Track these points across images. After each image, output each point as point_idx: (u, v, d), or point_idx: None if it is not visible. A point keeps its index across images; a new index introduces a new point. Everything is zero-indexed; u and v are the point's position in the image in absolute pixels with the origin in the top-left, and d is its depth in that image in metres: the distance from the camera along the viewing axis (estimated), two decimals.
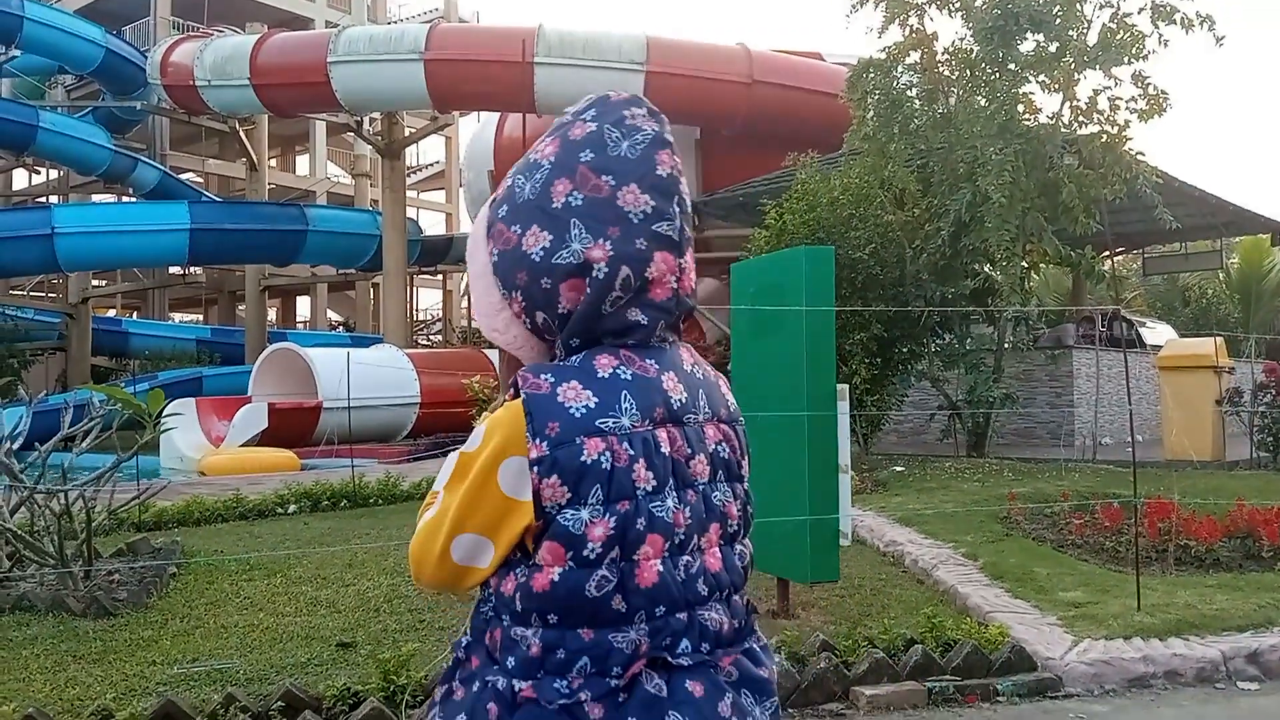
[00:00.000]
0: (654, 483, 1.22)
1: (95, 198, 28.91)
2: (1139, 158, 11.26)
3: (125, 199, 27.95)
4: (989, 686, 4.11)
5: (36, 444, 5.73)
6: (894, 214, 11.80)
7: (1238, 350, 16.82)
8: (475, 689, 1.24)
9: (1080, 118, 11.51)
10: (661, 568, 1.22)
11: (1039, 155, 11.20)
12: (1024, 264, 12.00)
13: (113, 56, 24.38)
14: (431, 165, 40.23)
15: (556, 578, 1.19)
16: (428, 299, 39.54)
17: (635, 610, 1.20)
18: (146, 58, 23.92)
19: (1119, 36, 11.02)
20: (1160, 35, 10.93)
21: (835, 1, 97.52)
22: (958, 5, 11.76)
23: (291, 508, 8.58)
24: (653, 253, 1.26)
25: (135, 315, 33.50)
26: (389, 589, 5.28)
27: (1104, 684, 4.26)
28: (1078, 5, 11.21)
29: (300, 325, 35.90)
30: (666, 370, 1.29)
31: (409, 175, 31.24)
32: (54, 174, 29.81)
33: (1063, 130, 11.49)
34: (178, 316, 36.05)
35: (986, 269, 11.80)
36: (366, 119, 24.93)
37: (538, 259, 1.24)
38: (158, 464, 12.99)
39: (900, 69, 12.19)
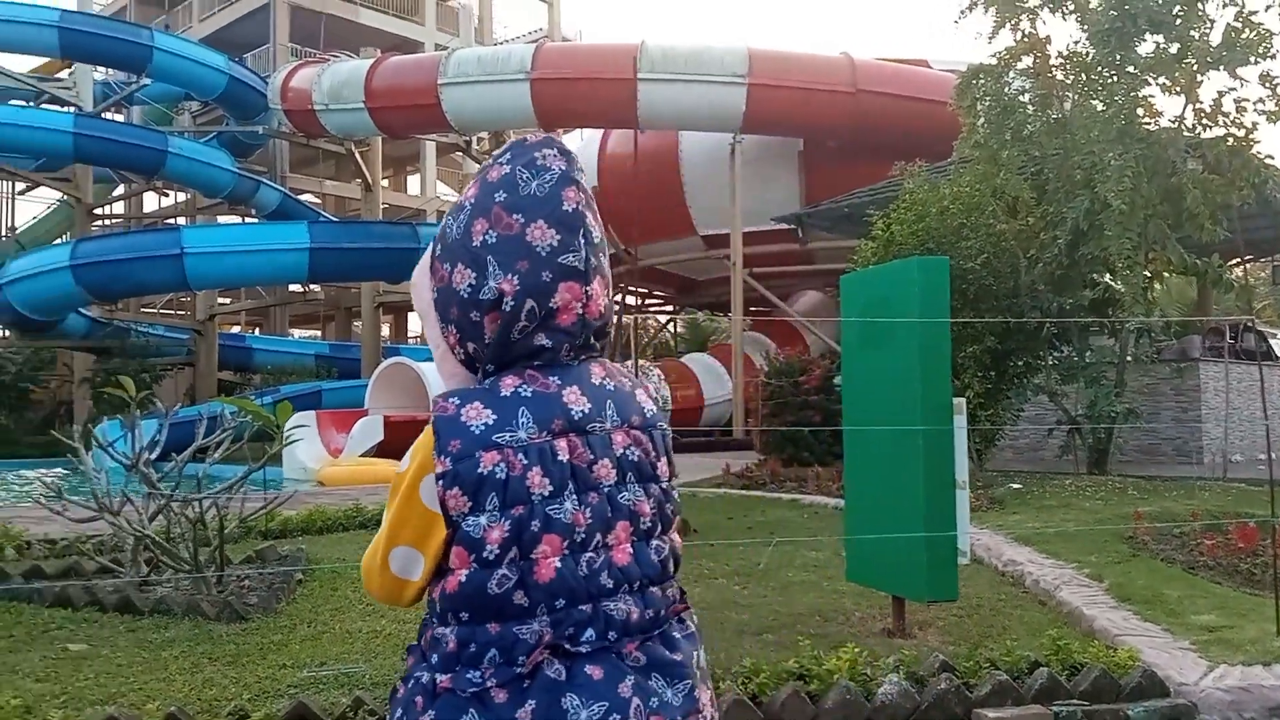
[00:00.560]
0: (550, 488, 1.32)
1: (220, 219, 30.25)
2: (1268, 161, 10.75)
3: (248, 220, 29.17)
4: (1119, 712, 3.95)
5: (173, 454, 6.02)
6: (1007, 223, 11.52)
7: None
8: (410, 685, 1.36)
9: (1204, 121, 11.06)
10: (560, 564, 1.32)
11: (1161, 160, 10.79)
12: (1146, 273, 11.57)
13: (236, 83, 25.52)
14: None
15: (464, 579, 1.31)
16: None
17: (536, 604, 1.31)
18: (267, 84, 25.01)
19: (1244, 36, 10.56)
20: None
21: (943, 8, 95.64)
22: (1072, 7, 11.44)
23: None
24: (557, 283, 1.35)
25: (258, 331, 34.95)
26: None
27: (1242, 712, 4.05)
28: (1199, 4, 10.78)
29: (412, 340, 36.90)
30: (570, 385, 1.39)
31: None
32: (181, 196, 31.35)
33: (1185, 134, 11.06)
34: (297, 332, 37.42)
35: (1106, 279, 11.41)
36: (474, 139, 25.56)
37: (465, 295, 1.36)
38: (280, 474, 13.49)
39: (1012, 74, 11.92)
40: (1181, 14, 10.76)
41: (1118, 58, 11.06)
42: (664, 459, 1.46)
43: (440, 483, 1.31)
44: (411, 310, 35.68)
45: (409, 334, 38.66)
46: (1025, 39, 11.63)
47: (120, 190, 31.21)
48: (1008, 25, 11.66)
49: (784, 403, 14.13)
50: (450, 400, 1.35)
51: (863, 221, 12.53)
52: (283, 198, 27.83)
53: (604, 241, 1.46)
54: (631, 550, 1.38)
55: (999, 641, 4.52)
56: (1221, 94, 10.92)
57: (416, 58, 23.98)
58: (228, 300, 33.45)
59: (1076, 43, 11.62)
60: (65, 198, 28.88)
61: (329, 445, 15.98)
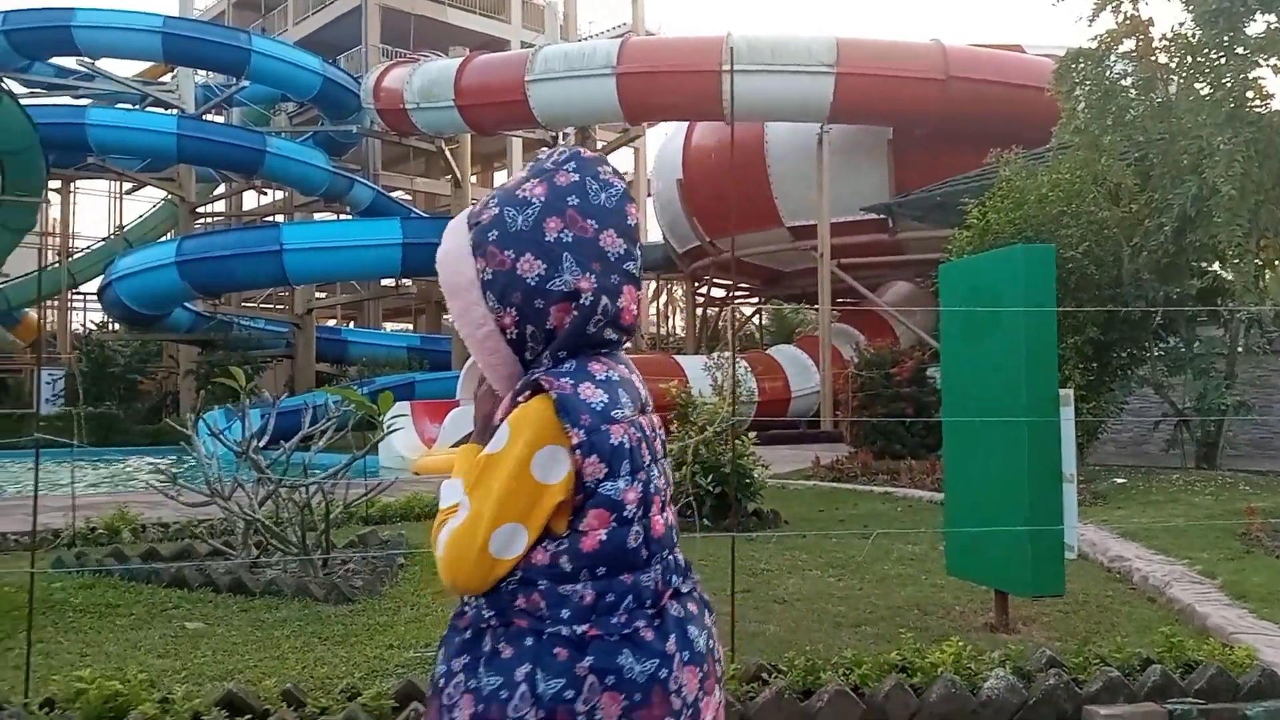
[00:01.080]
0: (649, 457, 1.52)
1: (316, 216, 31.09)
2: None
3: (343, 217, 29.91)
4: (1236, 712, 3.81)
5: (281, 442, 6.22)
6: (1109, 210, 11.16)
7: None
8: (530, 643, 1.43)
9: None
10: (662, 520, 1.53)
11: (1272, 144, 10.32)
12: (1258, 261, 11.10)
13: (330, 84, 26.18)
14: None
15: (604, 537, 1.44)
16: None
17: (653, 555, 1.50)
18: (360, 84, 25.60)
19: None
20: None
21: None
22: None
23: None
24: (623, 286, 1.52)
25: (352, 325, 35.83)
26: None
27: None
28: None
29: None
30: (632, 372, 1.58)
31: None
32: (279, 195, 32.30)
33: None
34: (389, 325, 38.26)
35: (1215, 267, 10.98)
36: (560, 134, 25.77)
37: (532, 283, 1.46)
38: (377, 463, 13.83)
39: (1113, 57, 11.53)
40: None
41: (1226, 39, 10.61)
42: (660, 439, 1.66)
43: (577, 452, 1.42)
44: None
45: None
46: (1127, 21, 11.24)
47: (221, 189, 32.31)
48: (1108, 8, 11.29)
49: (875, 395, 13.95)
50: (564, 380, 1.46)
51: (956, 210, 12.28)
52: (375, 195, 28.47)
53: None
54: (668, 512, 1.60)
55: (1107, 638, 4.41)
56: None
57: (504, 55, 24.26)
58: (324, 295, 34.39)
59: (1181, 25, 11.19)
60: (169, 197, 30.01)
61: (423, 435, 16.33)
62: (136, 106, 27.22)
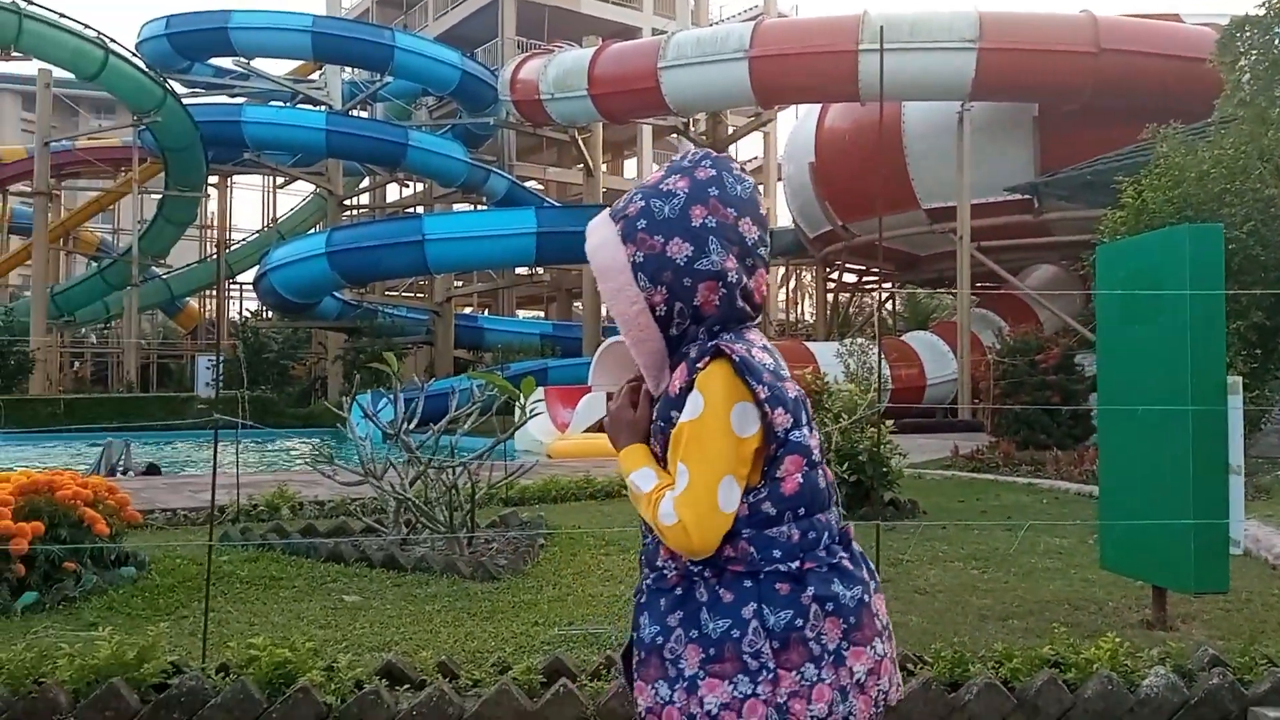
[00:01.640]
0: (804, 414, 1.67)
1: (455, 207, 32.01)
2: None
3: (480, 207, 30.68)
4: None
5: (431, 424, 6.46)
6: (1276, 187, 10.47)
7: None
8: (750, 585, 1.57)
9: None
10: (825, 469, 1.67)
11: None
12: None
13: (468, 78, 26.85)
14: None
15: (801, 479, 1.59)
16: None
17: (830, 498, 1.65)
18: (497, 76, 26.17)
19: None
20: None
21: None
22: None
23: None
24: (757, 269, 1.66)
25: (487, 312, 36.77)
26: None
27: None
28: None
29: None
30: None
31: None
32: (419, 186, 33.35)
33: None
34: (522, 313, 39.10)
35: None
36: (691, 120, 25.77)
37: (682, 263, 1.60)
38: (513, 446, 14.19)
39: None
40: None
41: None
42: None
43: (766, 405, 1.56)
44: None
45: None
46: None
47: (366, 182, 33.59)
48: None
49: (1019, 383, 13.49)
50: (738, 345, 1.60)
51: (1108, 189, 11.74)
52: (510, 185, 29.09)
53: None
54: None
55: (1274, 638, 4.19)
56: None
57: (637, 43, 24.39)
58: (461, 283, 35.38)
59: None
60: (319, 190, 31.38)
61: (555, 420, 16.65)
62: (288, 104, 28.53)
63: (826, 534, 1.62)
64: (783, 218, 28.57)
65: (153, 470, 11.66)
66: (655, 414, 1.65)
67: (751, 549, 1.57)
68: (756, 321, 1.72)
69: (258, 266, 25.85)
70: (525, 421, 6.06)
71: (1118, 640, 3.76)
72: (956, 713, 3.42)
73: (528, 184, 32.04)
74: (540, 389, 17.19)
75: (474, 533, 6.07)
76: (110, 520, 5.23)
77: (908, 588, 5.32)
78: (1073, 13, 19.31)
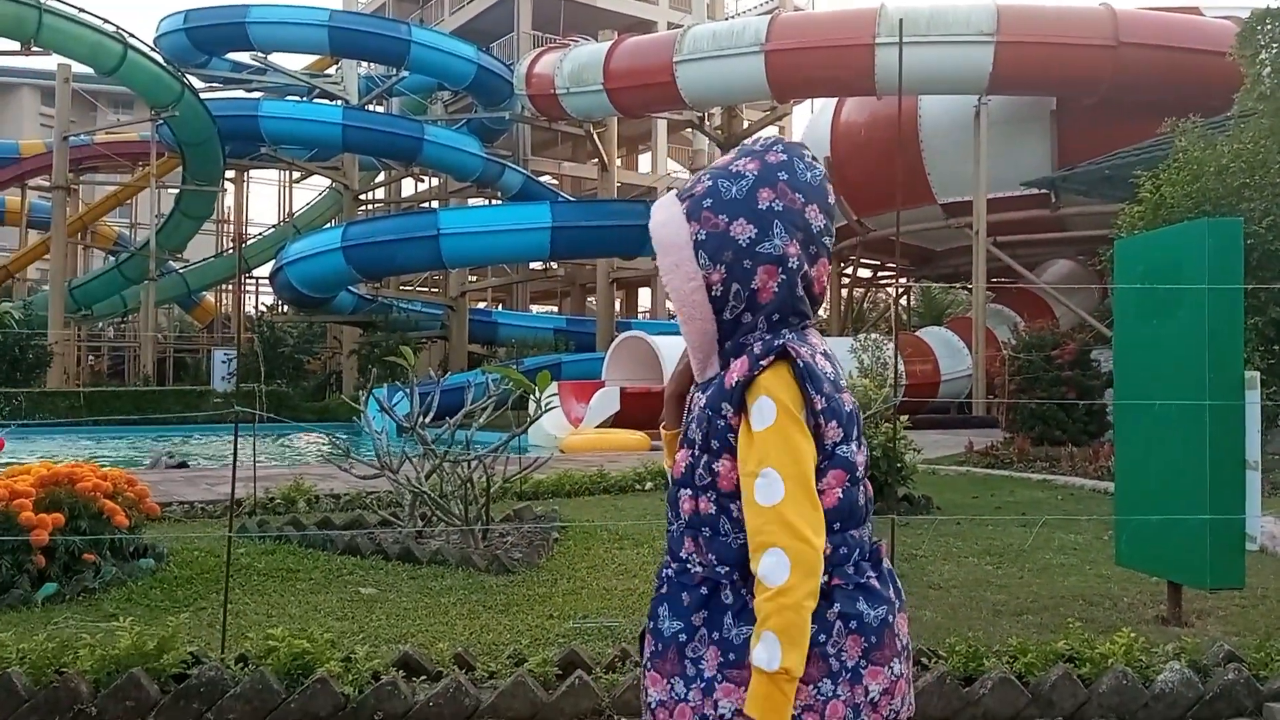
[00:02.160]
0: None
1: (470, 202, 32.06)
2: None
3: (494, 202, 30.72)
4: None
5: (447, 418, 6.49)
6: None
7: None
8: None
9: None
10: (867, 484, 1.63)
11: None
12: None
13: (484, 72, 26.88)
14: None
15: (841, 494, 1.56)
16: None
17: (867, 515, 1.62)
18: (512, 71, 26.18)
19: None
20: None
21: None
22: None
23: (648, 484, 9.11)
24: (819, 258, 1.62)
25: (501, 307, 36.83)
26: None
27: None
28: None
29: (642, 315, 37.78)
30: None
31: None
32: (434, 181, 33.41)
33: None
34: (535, 308, 39.16)
35: None
36: (706, 114, 25.72)
37: (744, 244, 1.56)
38: (526, 441, 14.23)
39: None
40: None
41: None
42: None
43: (821, 416, 1.53)
44: (643, 286, 36.72)
45: (638, 309, 39.59)
46: None
47: (381, 177, 33.67)
48: None
49: (1034, 378, 13.43)
50: (802, 349, 1.56)
51: (1126, 184, 11.67)
52: (525, 180, 29.10)
53: None
54: None
55: None
56: None
57: (653, 37, 24.36)
58: (475, 278, 35.45)
59: None
60: (335, 185, 31.49)
61: (569, 415, 16.68)
62: (304, 99, 28.63)
63: (858, 550, 1.59)
64: None
65: (182, 466, 11.82)
66: (705, 401, 1.59)
67: None
68: (815, 314, 1.67)
69: (274, 261, 25.95)
70: (541, 415, 6.08)
71: (1133, 636, 3.75)
72: (971, 706, 3.43)
73: (542, 179, 32.05)
74: (554, 384, 17.23)
75: (489, 526, 6.09)
76: (129, 512, 5.28)
77: (922, 583, 5.32)
78: (1091, 6, 19.19)
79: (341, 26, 25.89)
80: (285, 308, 30.11)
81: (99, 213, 34.73)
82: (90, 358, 36.50)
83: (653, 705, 1.59)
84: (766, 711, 1.42)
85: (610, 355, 18.56)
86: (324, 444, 16.44)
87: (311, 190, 40.00)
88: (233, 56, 29.19)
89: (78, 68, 25.49)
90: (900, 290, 31.62)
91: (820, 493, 1.53)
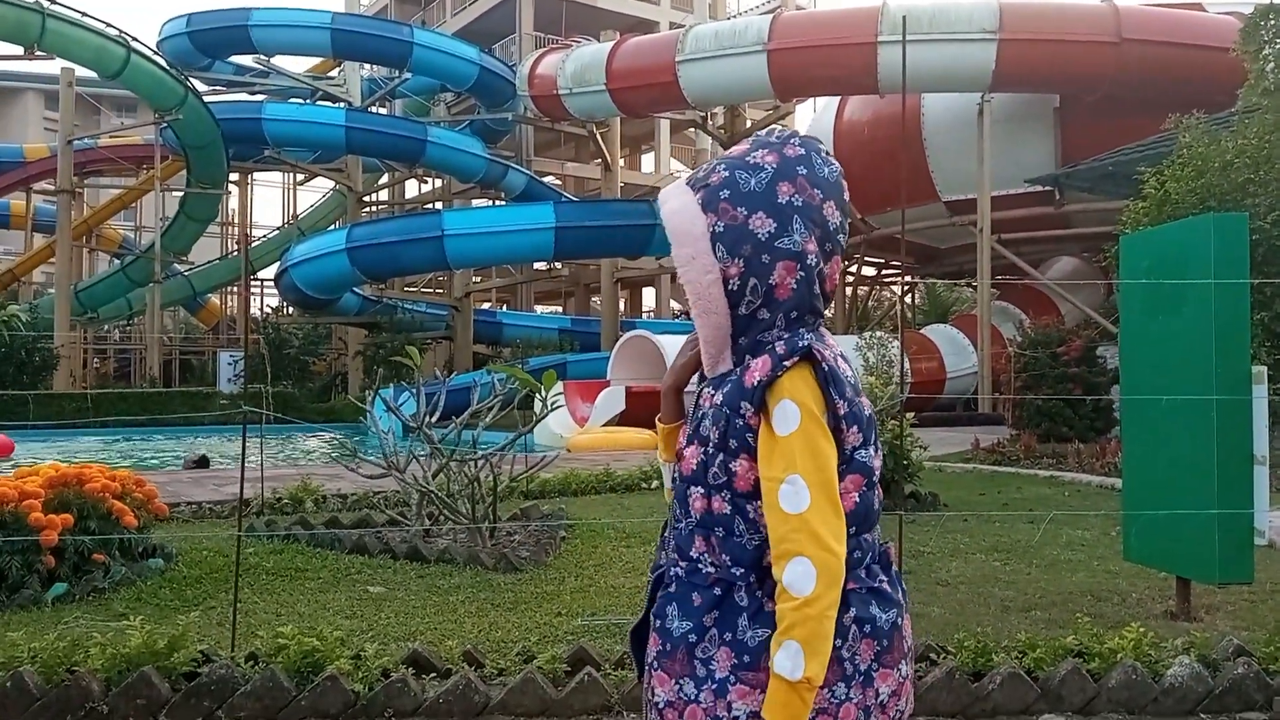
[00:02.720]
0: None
1: (474, 203, 32.07)
2: None
3: (498, 203, 30.74)
4: None
5: (453, 417, 6.50)
6: None
7: None
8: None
9: None
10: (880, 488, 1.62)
11: None
12: None
13: (486, 73, 26.87)
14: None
15: (858, 499, 1.54)
16: None
17: (878, 518, 1.61)
18: (514, 72, 26.18)
19: None
20: None
21: None
22: None
23: (654, 483, 9.11)
24: (833, 256, 1.60)
25: (505, 307, 36.84)
26: None
27: None
28: None
29: (646, 314, 37.78)
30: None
31: None
32: (438, 182, 33.42)
33: None
34: (540, 308, 39.16)
35: None
36: (709, 114, 25.70)
37: (763, 238, 1.54)
38: (533, 440, 14.24)
39: None
40: None
41: None
42: None
43: (843, 421, 1.52)
44: (647, 285, 36.73)
45: (642, 308, 39.59)
46: None
47: (385, 178, 33.68)
48: None
49: (1040, 375, 13.42)
50: (827, 352, 1.55)
51: (1130, 180, 11.66)
52: (529, 180, 29.10)
53: None
54: None
55: None
56: None
57: (655, 37, 24.35)
58: (479, 279, 35.47)
59: None
60: (338, 187, 31.52)
61: (574, 414, 16.69)
62: (308, 101, 28.66)
63: (870, 554, 1.58)
64: None
65: (203, 463, 11.88)
66: (721, 399, 1.55)
67: None
68: (825, 319, 1.65)
69: (278, 263, 25.98)
70: (547, 414, 6.09)
71: (1141, 630, 3.75)
72: (980, 702, 3.43)
73: (545, 179, 32.06)
74: (559, 383, 17.25)
75: (496, 525, 6.10)
76: (138, 513, 5.30)
77: (929, 579, 5.33)
78: (1094, 2, 19.14)
79: (344, 29, 25.90)
80: (290, 309, 30.15)
81: (104, 216, 34.78)
82: (96, 360, 36.56)
83: (660, 705, 1.56)
84: (786, 718, 1.42)
85: (615, 355, 18.56)
86: (333, 439, 16.49)
87: (315, 192, 40.02)
88: (236, 59, 29.21)
89: (81, 72, 25.53)
90: (905, 288, 31.60)
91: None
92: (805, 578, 1.42)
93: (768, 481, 1.47)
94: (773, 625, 1.47)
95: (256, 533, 6.40)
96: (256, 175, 37.30)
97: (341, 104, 28.09)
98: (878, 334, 16.32)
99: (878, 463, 1.58)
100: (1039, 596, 4.96)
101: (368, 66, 29.92)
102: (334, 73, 31.45)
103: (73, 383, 26.79)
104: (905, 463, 7.77)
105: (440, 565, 5.57)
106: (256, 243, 35.89)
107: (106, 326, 35.95)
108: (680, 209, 1.61)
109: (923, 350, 20.68)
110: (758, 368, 1.52)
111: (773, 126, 1.65)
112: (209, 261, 35.11)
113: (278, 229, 37.64)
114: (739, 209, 1.55)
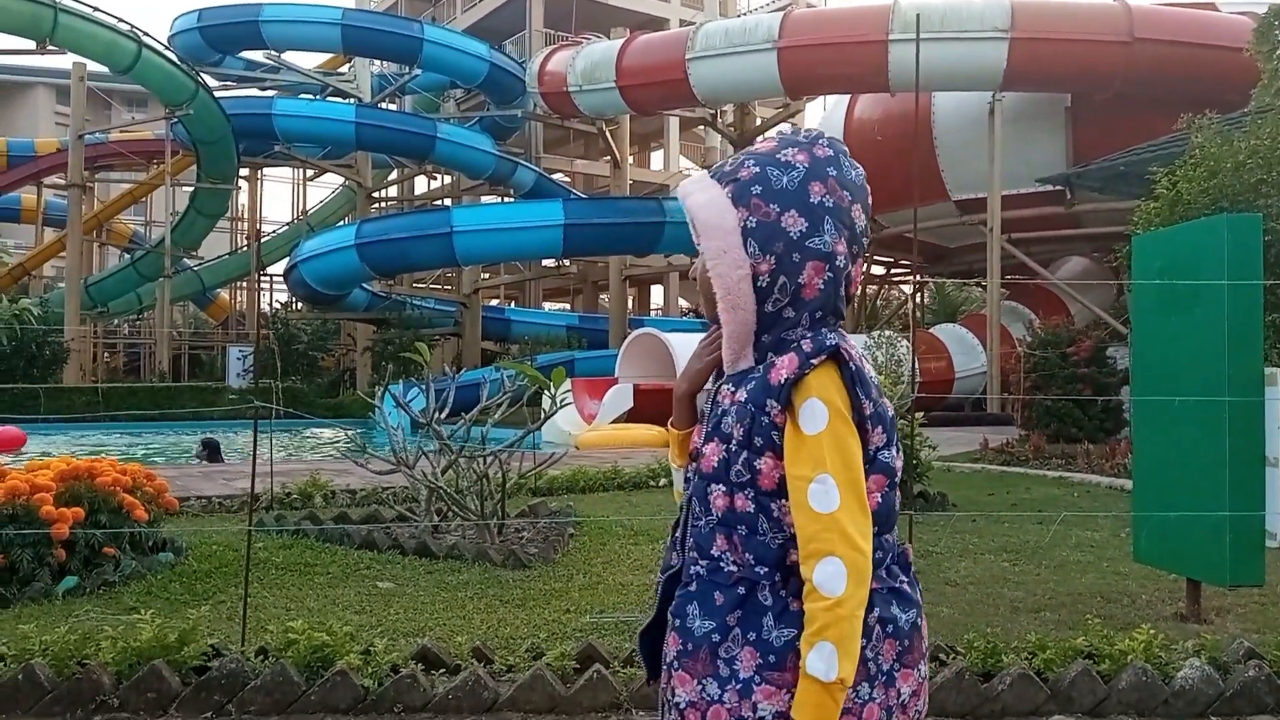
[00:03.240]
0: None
1: (483, 199, 32.09)
2: None
3: (507, 200, 30.76)
4: None
5: (462, 414, 6.51)
6: None
7: None
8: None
9: None
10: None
11: None
12: None
13: (496, 70, 26.90)
14: None
15: (880, 499, 1.55)
16: None
17: (897, 518, 1.62)
18: (524, 69, 26.20)
19: None
20: None
21: None
22: None
23: (662, 481, 9.11)
24: (857, 259, 1.61)
25: (514, 304, 36.88)
26: None
27: None
28: None
29: (654, 312, 37.78)
30: None
31: None
32: (447, 179, 33.46)
33: None
34: (548, 305, 39.19)
35: None
36: (719, 111, 25.68)
37: (795, 237, 1.54)
38: (540, 437, 14.25)
39: None
40: None
41: None
42: None
43: (869, 421, 1.52)
44: (656, 283, 36.72)
45: (650, 306, 39.59)
46: None
47: (394, 174, 33.71)
48: None
49: (1050, 375, 13.38)
50: (853, 351, 1.55)
51: (1142, 180, 11.61)
52: (538, 177, 29.12)
53: None
54: None
55: None
56: None
57: (665, 35, 24.34)
58: (488, 275, 35.50)
59: None
60: (348, 182, 31.56)
61: (582, 411, 16.70)
62: (318, 97, 28.71)
63: (890, 555, 1.58)
64: None
65: (213, 448, 11.95)
66: (745, 396, 1.54)
67: None
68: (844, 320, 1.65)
69: (288, 258, 26.05)
70: (556, 411, 6.09)
71: (1152, 632, 3.74)
72: (989, 702, 3.43)
73: (555, 176, 32.07)
74: (568, 380, 17.25)
75: (505, 521, 6.11)
76: (148, 506, 5.32)
77: (938, 579, 5.31)
78: (1106, 1, 19.08)
79: (354, 25, 25.96)
80: (299, 305, 30.22)
81: (114, 210, 34.92)
82: (106, 354, 36.70)
83: (681, 706, 1.54)
84: None
85: (623, 352, 18.56)
86: (343, 436, 16.52)
87: (325, 188, 40.11)
88: (246, 55, 29.30)
89: (93, 66, 25.61)
90: (914, 287, 31.53)
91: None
92: (836, 577, 1.42)
93: (796, 480, 1.46)
94: (798, 625, 1.46)
95: (266, 527, 6.42)
96: (266, 171, 37.40)
97: (351, 100, 28.13)
98: (887, 333, 16.29)
99: (899, 463, 1.58)
100: (1048, 597, 4.95)
101: (378, 62, 29.96)
102: (344, 69, 31.50)
103: (82, 376, 26.89)
104: (915, 462, 7.76)
105: (449, 561, 5.57)
106: (266, 238, 35.97)
107: (116, 321, 36.08)
108: (708, 202, 1.59)
109: (932, 350, 20.64)
110: (784, 365, 1.51)
111: (795, 125, 1.63)
112: (219, 256, 35.22)
113: (287, 224, 37.72)
114: (771, 205, 1.55)
